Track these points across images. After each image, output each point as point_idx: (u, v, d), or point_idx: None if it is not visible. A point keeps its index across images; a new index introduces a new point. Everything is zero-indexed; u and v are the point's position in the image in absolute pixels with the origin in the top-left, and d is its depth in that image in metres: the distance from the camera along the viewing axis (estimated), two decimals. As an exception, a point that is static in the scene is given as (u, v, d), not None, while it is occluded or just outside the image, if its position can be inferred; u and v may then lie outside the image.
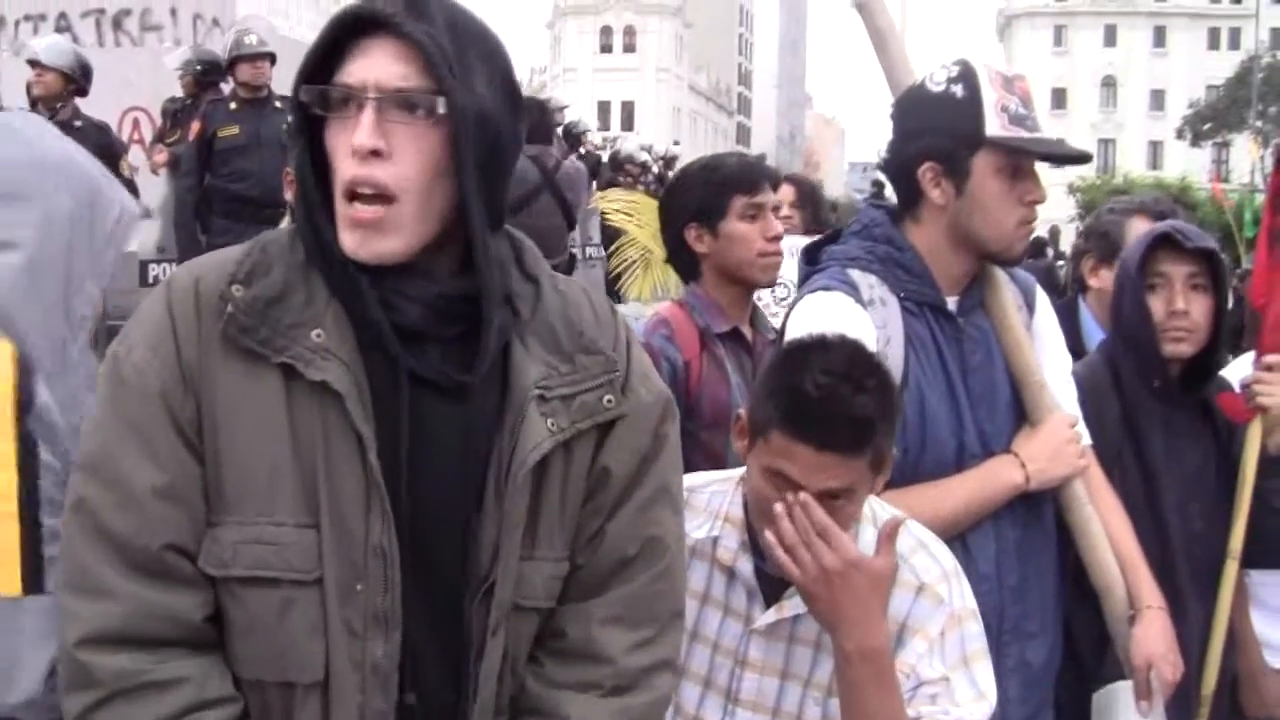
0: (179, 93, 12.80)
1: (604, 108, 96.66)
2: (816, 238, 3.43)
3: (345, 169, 1.90)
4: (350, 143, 1.88)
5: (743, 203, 3.82)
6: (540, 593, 2.04)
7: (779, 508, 2.48)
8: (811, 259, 3.27)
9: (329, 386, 1.89)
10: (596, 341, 2.08)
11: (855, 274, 3.08)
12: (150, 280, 11.51)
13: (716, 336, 3.83)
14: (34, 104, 10.33)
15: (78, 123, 9.71)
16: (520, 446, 1.96)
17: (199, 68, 12.23)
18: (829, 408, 2.46)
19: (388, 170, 1.88)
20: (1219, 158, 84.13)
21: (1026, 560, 3.12)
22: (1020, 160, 3.00)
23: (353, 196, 1.90)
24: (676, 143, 33.21)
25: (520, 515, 1.98)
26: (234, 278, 1.93)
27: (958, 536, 2.98)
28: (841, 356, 2.53)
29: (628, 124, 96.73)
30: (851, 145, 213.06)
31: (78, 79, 10.19)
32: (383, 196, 1.89)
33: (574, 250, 16.56)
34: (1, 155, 2.23)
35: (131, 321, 1.99)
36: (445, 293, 1.96)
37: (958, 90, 3.02)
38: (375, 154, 1.87)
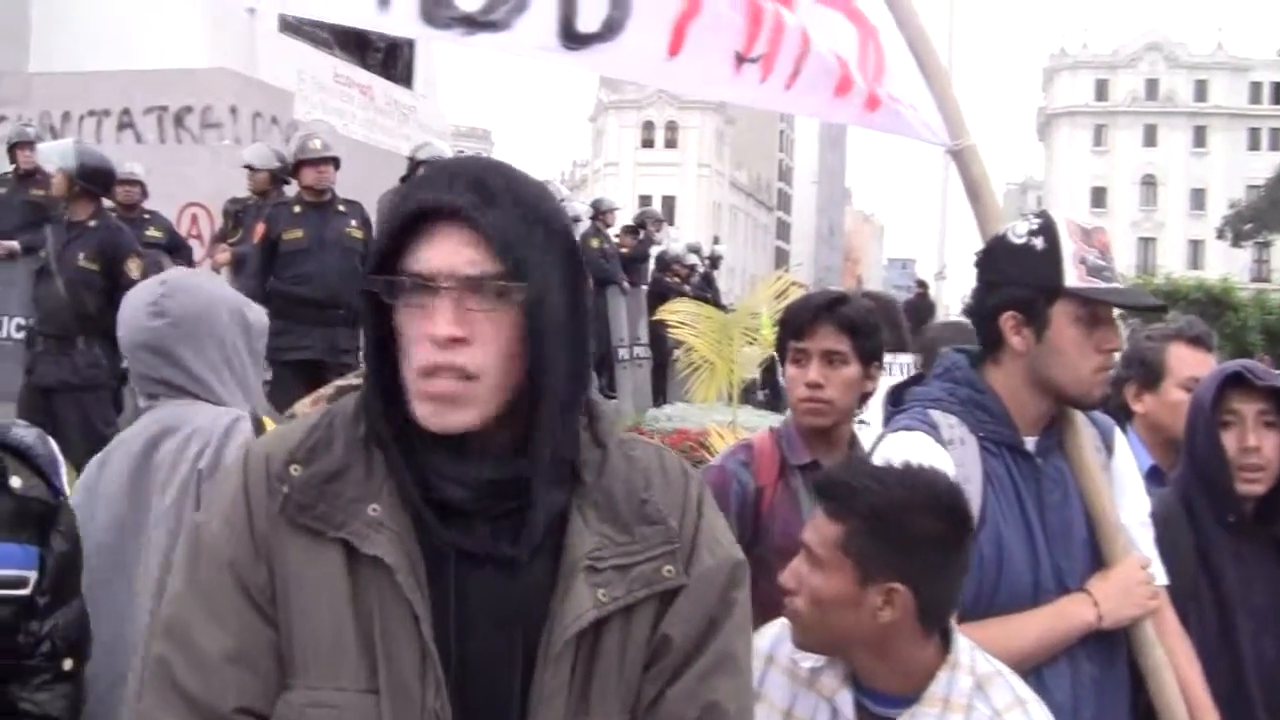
0: (238, 190, 12.95)
1: (645, 202, 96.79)
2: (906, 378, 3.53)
3: (422, 355, 1.93)
4: (427, 331, 1.92)
5: (793, 347, 3.90)
6: None
7: None
8: (896, 400, 3.40)
9: (381, 560, 1.95)
10: (659, 510, 2.08)
11: (936, 415, 3.18)
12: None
13: (795, 468, 3.90)
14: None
15: (92, 223, 9.65)
16: (563, 615, 1.98)
17: (278, 164, 12.31)
18: (851, 469, 2.83)
19: (467, 355, 1.92)
20: (1260, 257, 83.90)
21: (1102, 697, 3.16)
22: (1097, 309, 3.09)
23: (431, 374, 1.94)
24: (717, 240, 33.40)
25: (561, 683, 1.98)
26: (293, 456, 2.02)
27: (1033, 669, 3.02)
28: (911, 470, 2.74)
29: (668, 219, 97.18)
30: (890, 241, 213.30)
31: (78, 180, 9.90)
32: (467, 377, 1.94)
33: (621, 349, 16.76)
34: (191, 304, 3.60)
35: (214, 492, 2.11)
36: (495, 478, 2.00)
37: (1038, 243, 3.12)
38: (455, 341, 1.91)
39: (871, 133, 3.77)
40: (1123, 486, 3.34)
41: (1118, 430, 3.45)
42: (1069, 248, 3.08)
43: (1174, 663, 3.26)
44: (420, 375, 1.94)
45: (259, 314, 3.86)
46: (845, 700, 2.76)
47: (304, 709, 1.95)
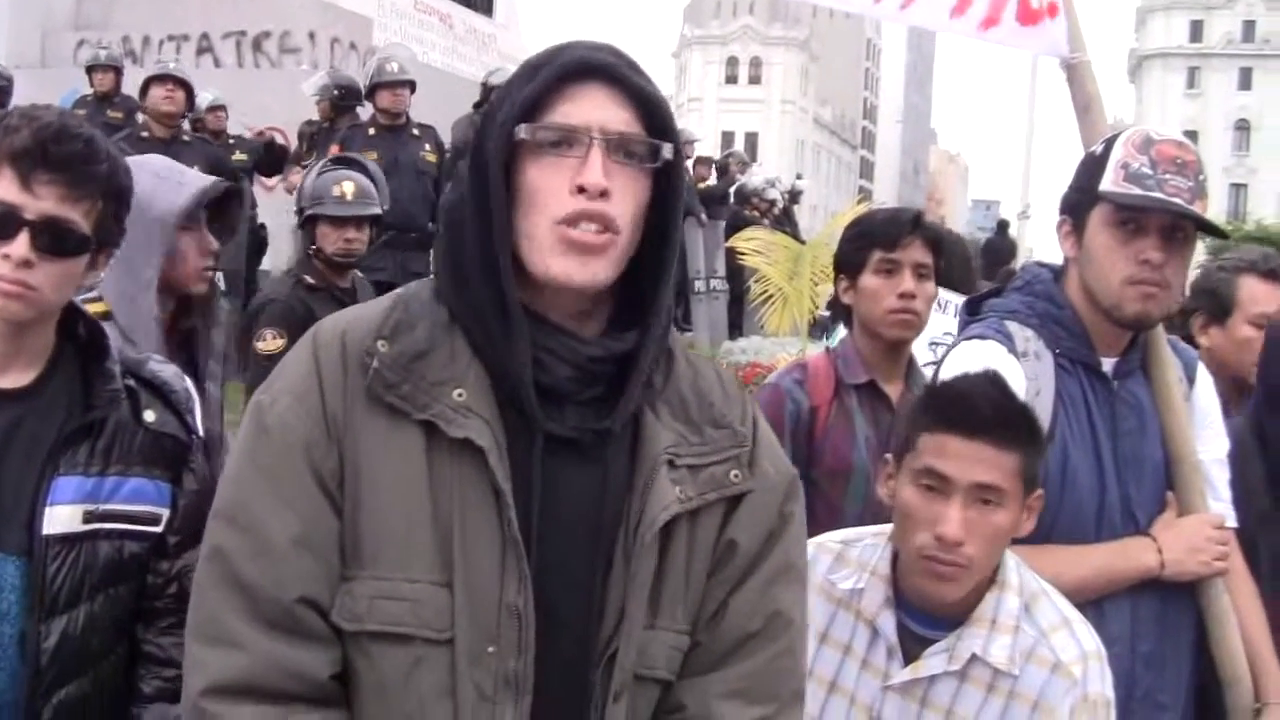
0: (315, 115, 13.00)
1: (728, 138, 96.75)
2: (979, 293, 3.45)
3: (564, 204, 1.91)
4: (574, 181, 1.90)
5: (879, 257, 3.79)
6: (661, 663, 2.00)
7: None
8: (973, 310, 3.31)
9: (471, 443, 1.88)
10: (725, 415, 2.07)
11: (1012, 326, 3.10)
12: (284, 297, 11.73)
13: (851, 387, 3.81)
14: (144, 116, 10.79)
15: (186, 138, 10.42)
16: (649, 508, 1.95)
17: (336, 92, 12.40)
18: (976, 395, 2.63)
19: (612, 207, 1.91)
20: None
21: (1165, 630, 3.08)
22: (1138, 217, 2.96)
23: (575, 223, 1.91)
24: (799, 176, 33.10)
25: (646, 577, 1.95)
26: (379, 333, 1.95)
27: (1093, 600, 2.95)
28: (987, 372, 2.70)
29: (751, 155, 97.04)
30: (975, 182, 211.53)
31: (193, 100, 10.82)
32: (608, 229, 1.92)
33: (698, 281, 16.66)
34: None
35: (276, 371, 2.01)
36: (596, 355, 1.97)
37: (1099, 149, 3.07)
38: (603, 194, 1.90)
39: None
40: (1203, 420, 3.24)
41: (1201, 363, 3.33)
42: (1118, 154, 3.00)
43: (1238, 607, 3.15)
44: (562, 223, 1.91)
45: (175, 199, 3.57)
46: (888, 622, 2.69)
47: (372, 600, 1.89)
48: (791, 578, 2.09)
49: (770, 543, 2.06)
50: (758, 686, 2.03)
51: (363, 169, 6.35)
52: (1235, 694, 3.13)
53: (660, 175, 1.98)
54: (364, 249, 6.02)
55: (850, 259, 3.89)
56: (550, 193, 1.91)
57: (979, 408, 2.59)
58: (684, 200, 1.99)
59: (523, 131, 1.92)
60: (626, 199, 1.92)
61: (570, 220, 1.90)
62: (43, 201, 2.38)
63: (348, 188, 5.96)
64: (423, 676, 1.89)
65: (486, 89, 12.30)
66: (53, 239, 2.39)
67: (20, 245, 2.36)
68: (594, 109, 1.92)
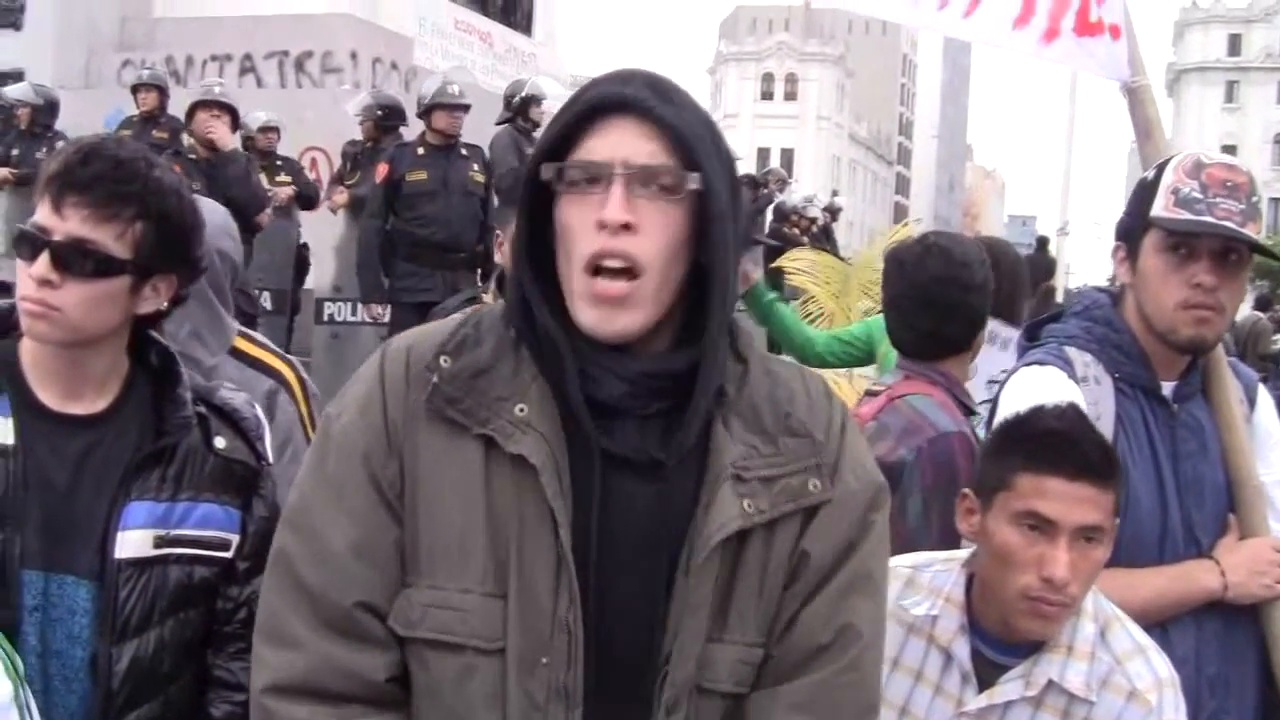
0: (358, 135, 13.02)
1: (763, 155, 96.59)
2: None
3: (589, 242, 1.90)
4: (596, 218, 1.89)
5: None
6: (725, 676, 1.99)
7: None
8: (1032, 336, 3.31)
9: (525, 460, 1.91)
10: (805, 424, 2.04)
11: (1071, 351, 3.11)
12: (325, 318, 11.74)
13: (969, 414, 3.75)
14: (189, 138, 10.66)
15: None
16: (707, 525, 1.94)
17: (379, 112, 12.41)
18: (1076, 436, 2.61)
19: (637, 244, 1.89)
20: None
21: (1230, 653, 3.08)
22: (1190, 241, 2.97)
23: (597, 271, 1.90)
24: (836, 193, 33.04)
25: (704, 594, 1.94)
26: (443, 349, 1.98)
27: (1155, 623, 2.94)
28: (1068, 406, 2.70)
29: (787, 172, 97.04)
30: (1011, 198, 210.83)
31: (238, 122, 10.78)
32: (629, 271, 1.90)
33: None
34: None
35: (348, 385, 2.07)
36: (649, 371, 1.96)
37: (1150, 174, 3.09)
38: (625, 228, 1.88)
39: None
40: (1265, 442, 3.23)
41: (1261, 385, 3.33)
42: (1168, 179, 3.01)
43: None
44: (587, 272, 1.91)
45: (237, 246, 3.59)
46: (962, 648, 2.69)
47: (426, 608, 1.93)
48: (869, 589, 2.06)
49: (848, 552, 2.03)
50: (820, 701, 2.00)
51: None
52: None
53: (701, 205, 1.95)
54: None
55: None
56: (579, 231, 1.91)
57: (1081, 448, 2.59)
58: (728, 230, 1.94)
59: (546, 171, 1.94)
60: (656, 234, 1.90)
61: (594, 264, 1.90)
62: (68, 222, 2.38)
63: None
64: (473, 684, 1.93)
65: (524, 100, 12.06)
66: (74, 259, 2.38)
67: (40, 265, 2.37)
68: (618, 143, 1.91)
